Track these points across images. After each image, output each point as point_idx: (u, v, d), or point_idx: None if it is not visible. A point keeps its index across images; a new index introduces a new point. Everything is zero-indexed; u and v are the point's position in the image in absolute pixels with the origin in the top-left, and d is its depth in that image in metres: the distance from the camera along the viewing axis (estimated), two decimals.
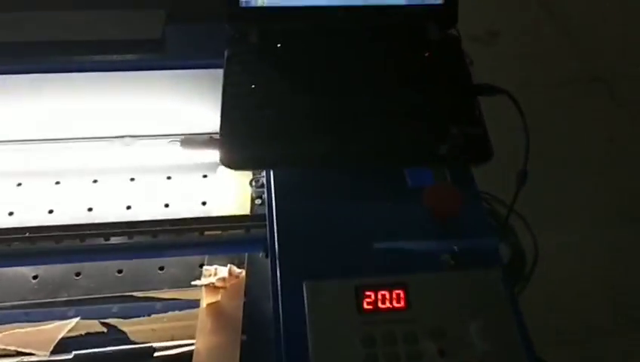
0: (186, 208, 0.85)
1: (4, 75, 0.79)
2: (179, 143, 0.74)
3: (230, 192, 0.84)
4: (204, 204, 0.86)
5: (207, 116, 0.86)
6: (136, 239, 0.71)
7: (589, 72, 1.96)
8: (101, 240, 0.71)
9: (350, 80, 0.76)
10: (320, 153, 0.70)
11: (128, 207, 0.86)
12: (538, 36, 2.04)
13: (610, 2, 2.15)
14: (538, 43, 2.02)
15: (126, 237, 0.71)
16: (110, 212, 0.84)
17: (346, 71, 0.77)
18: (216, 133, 0.72)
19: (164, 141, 0.88)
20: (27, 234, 0.70)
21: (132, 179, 0.89)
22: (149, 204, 0.86)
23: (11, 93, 0.81)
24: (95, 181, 0.88)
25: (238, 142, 0.70)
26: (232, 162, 0.70)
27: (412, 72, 0.78)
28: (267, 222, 0.68)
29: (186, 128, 0.88)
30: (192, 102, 0.85)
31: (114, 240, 0.71)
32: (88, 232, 0.70)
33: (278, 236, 0.65)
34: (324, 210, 0.67)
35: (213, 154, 0.89)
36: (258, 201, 0.83)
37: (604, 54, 2.01)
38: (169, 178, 0.90)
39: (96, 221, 0.75)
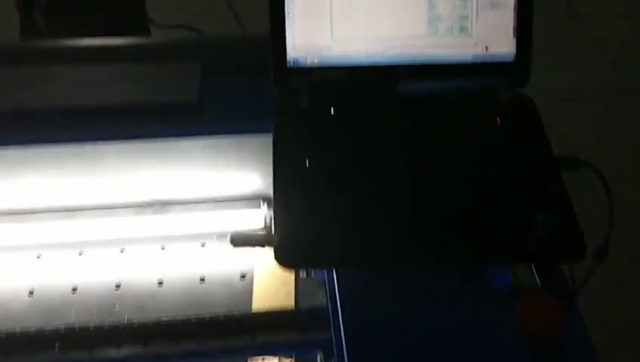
0: (222, 283, 0.77)
1: (19, 147, 0.70)
2: (227, 239, 0.65)
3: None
4: (243, 277, 0.78)
5: (250, 180, 0.78)
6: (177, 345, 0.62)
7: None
8: (138, 348, 0.62)
9: (415, 156, 0.67)
10: (389, 250, 0.61)
11: (160, 283, 0.77)
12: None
13: None
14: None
15: (168, 341, 0.63)
16: (140, 289, 0.76)
17: (409, 144, 0.68)
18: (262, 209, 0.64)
19: (199, 206, 0.79)
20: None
21: (163, 248, 0.80)
22: (181, 279, 0.77)
23: (27, 165, 0.72)
24: (122, 250, 0.80)
25: (294, 237, 0.61)
26: (289, 261, 0.61)
27: (482, 144, 0.69)
28: (332, 328, 0.60)
29: (222, 192, 0.79)
30: (232, 168, 0.76)
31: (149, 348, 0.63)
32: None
33: (347, 346, 0.57)
34: (395, 317, 0.59)
35: (250, 218, 0.81)
36: (303, 275, 0.75)
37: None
38: (203, 245, 0.81)
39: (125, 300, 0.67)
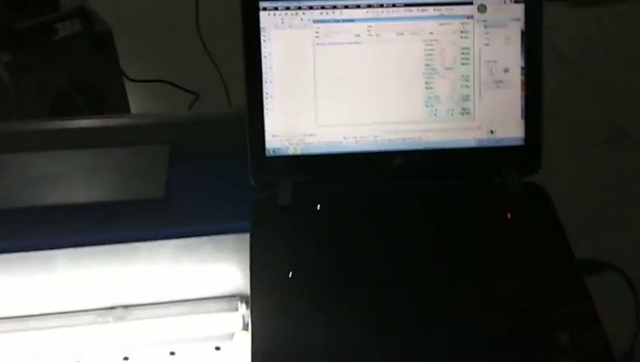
0: None
1: None
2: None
3: None
4: None
5: (226, 277, 0.69)
6: None
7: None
8: None
9: (413, 264, 0.58)
10: None
11: None
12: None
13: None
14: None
15: None
16: None
17: (406, 248, 0.59)
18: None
19: (166, 309, 0.69)
20: None
21: (126, 359, 0.70)
22: None
23: None
24: None
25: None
26: None
27: (490, 245, 0.60)
28: None
29: (194, 292, 0.70)
30: (205, 264, 0.67)
31: None
32: None
33: None
34: None
35: (227, 321, 0.72)
36: None
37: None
38: (172, 354, 0.71)
39: None
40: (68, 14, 1.52)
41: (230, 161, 0.65)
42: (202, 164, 0.68)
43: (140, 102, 1.63)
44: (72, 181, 0.63)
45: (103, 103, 1.58)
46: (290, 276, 0.56)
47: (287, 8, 0.61)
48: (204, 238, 0.61)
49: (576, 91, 1.83)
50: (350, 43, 0.61)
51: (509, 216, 0.61)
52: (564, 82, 1.80)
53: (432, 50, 0.62)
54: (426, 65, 0.62)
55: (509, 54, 0.62)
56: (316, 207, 0.61)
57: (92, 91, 1.54)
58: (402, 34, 0.62)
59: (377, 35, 0.61)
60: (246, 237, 0.60)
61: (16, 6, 1.47)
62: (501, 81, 0.63)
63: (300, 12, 0.61)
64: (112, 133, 0.70)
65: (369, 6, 0.61)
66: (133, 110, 1.59)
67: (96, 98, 1.56)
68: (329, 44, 0.61)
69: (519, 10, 0.62)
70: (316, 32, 0.61)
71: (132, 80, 1.49)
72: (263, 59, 0.61)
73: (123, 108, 1.61)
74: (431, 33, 0.62)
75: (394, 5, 0.61)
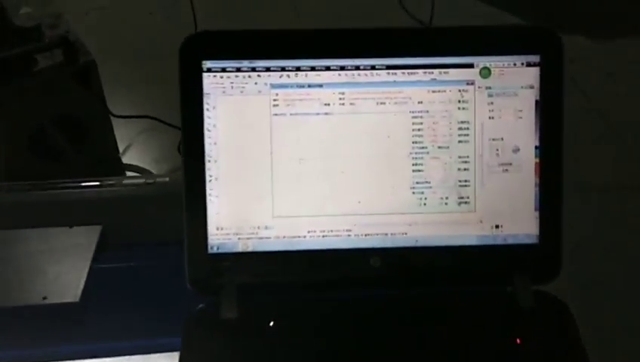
0: None
1: None
2: None
3: None
4: None
5: None
6: None
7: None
8: None
9: None
10: None
11: None
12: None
13: None
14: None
15: None
16: None
17: None
18: None
19: None
20: None
21: None
22: None
23: None
24: None
25: None
26: None
27: None
28: None
29: None
30: None
31: None
32: None
33: None
34: None
35: None
36: None
37: None
38: None
39: None
40: (49, 44, 1.41)
41: (173, 245, 0.53)
42: (136, 251, 0.55)
43: (126, 139, 1.52)
44: None
45: (87, 140, 1.47)
46: None
47: (238, 70, 0.48)
48: (124, 359, 0.48)
49: (596, 130, 1.67)
50: (317, 114, 0.49)
51: (517, 341, 0.47)
52: (583, 121, 1.64)
53: (422, 124, 0.49)
54: (413, 142, 0.49)
55: (520, 130, 0.49)
56: (269, 322, 0.48)
57: (74, 127, 1.43)
58: (384, 103, 0.49)
59: (352, 104, 0.49)
60: (176, 357, 0.47)
61: None
62: (509, 164, 0.49)
63: (254, 75, 0.48)
64: (33, 208, 0.58)
65: (342, 68, 0.48)
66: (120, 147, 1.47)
67: (79, 134, 1.45)
68: (290, 114, 0.48)
69: (533, 74, 0.49)
70: (274, 100, 0.48)
71: (115, 115, 1.37)
72: (206, 133, 0.48)
73: (109, 145, 1.49)
74: (420, 103, 0.49)
75: (373, 68, 0.48)
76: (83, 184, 0.59)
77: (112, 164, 1.49)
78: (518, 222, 0.50)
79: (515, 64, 0.49)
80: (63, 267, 0.51)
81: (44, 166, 1.35)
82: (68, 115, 1.42)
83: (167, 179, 0.63)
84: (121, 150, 1.52)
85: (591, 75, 1.63)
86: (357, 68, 0.48)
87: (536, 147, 0.49)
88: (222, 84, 0.48)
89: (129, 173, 1.50)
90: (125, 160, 1.52)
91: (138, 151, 1.54)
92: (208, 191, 0.48)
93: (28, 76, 1.37)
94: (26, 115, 1.37)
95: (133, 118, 1.43)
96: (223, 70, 0.48)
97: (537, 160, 0.50)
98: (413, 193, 0.49)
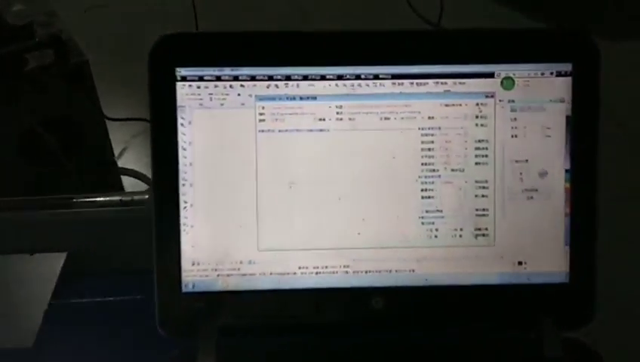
0: None
1: None
2: None
3: None
4: None
5: None
6: None
7: None
8: None
9: None
10: None
11: None
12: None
13: None
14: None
15: None
16: None
17: None
18: None
19: None
20: None
21: None
22: None
23: None
24: None
25: None
26: None
27: None
28: None
29: None
30: None
31: None
32: None
33: None
34: None
35: None
36: None
37: None
38: None
39: None
40: (39, 43, 1.35)
41: (150, 275, 0.46)
42: (105, 283, 0.48)
43: (121, 142, 1.45)
44: None
45: (80, 144, 1.41)
46: None
47: (218, 78, 0.41)
48: None
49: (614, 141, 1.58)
50: (310, 131, 0.42)
51: None
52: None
53: (433, 143, 0.42)
54: (423, 164, 0.42)
55: (548, 151, 0.42)
56: None
57: (67, 130, 1.37)
58: (388, 118, 0.42)
59: (351, 119, 0.42)
60: None
61: None
62: (535, 190, 0.42)
63: (236, 84, 0.41)
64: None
65: (339, 77, 0.41)
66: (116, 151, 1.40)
67: (72, 138, 1.39)
68: (279, 131, 0.41)
69: (564, 86, 0.42)
70: (260, 114, 0.41)
71: (110, 118, 1.30)
72: (181, 152, 0.41)
73: (104, 149, 1.43)
74: (431, 118, 0.42)
75: (376, 77, 0.41)
76: (48, 202, 0.53)
77: (107, 169, 1.42)
78: (545, 258, 0.43)
79: (542, 73, 0.42)
80: (16, 304, 0.44)
81: (34, 172, 1.29)
82: (60, 118, 1.36)
83: (146, 197, 0.56)
84: (116, 154, 1.45)
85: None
86: (357, 77, 0.41)
87: (566, 170, 0.42)
88: (199, 95, 0.41)
89: (102, 197, 1.43)
90: (121, 164, 1.46)
91: (134, 155, 1.47)
92: (182, 220, 0.41)
93: (17, 76, 1.31)
94: (15, 117, 1.31)
95: (129, 120, 1.37)
96: (200, 79, 0.41)
97: (568, 185, 0.42)
98: (423, 223, 0.42)
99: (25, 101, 1.40)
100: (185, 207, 0.41)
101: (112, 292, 0.48)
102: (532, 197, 0.42)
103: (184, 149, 0.41)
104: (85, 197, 0.58)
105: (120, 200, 0.57)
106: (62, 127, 1.47)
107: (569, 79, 0.42)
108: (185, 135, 0.41)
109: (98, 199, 0.57)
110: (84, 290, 0.49)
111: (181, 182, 0.41)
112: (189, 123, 0.41)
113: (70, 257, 0.50)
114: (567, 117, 0.42)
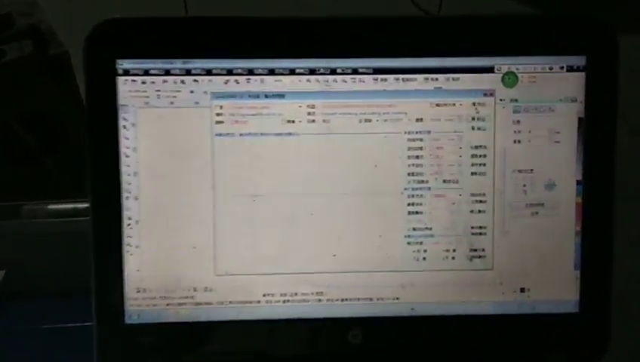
0: None
1: None
2: None
3: None
4: None
5: None
6: None
7: None
8: None
9: None
10: None
11: None
12: None
13: None
14: None
15: None
16: None
17: None
18: None
19: None
20: None
21: None
22: None
23: None
24: None
25: None
26: None
27: None
28: None
29: None
30: None
31: None
32: None
33: None
34: None
35: None
36: None
37: None
38: None
39: None
40: (16, 34, 1.28)
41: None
42: (45, 305, 0.42)
43: None
44: None
45: (60, 140, 1.35)
46: None
47: (167, 72, 0.35)
48: None
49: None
50: (278, 135, 0.35)
51: None
52: None
53: (422, 149, 0.36)
54: (409, 174, 0.36)
55: (557, 159, 0.36)
56: None
57: (46, 127, 1.31)
58: (369, 120, 0.35)
59: (325, 121, 0.35)
60: None
61: None
62: (541, 205, 0.36)
63: (189, 79, 0.35)
64: None
65: (312, 71, 0.35)
66: None
67: (51, 134, 1.33)
68: (240, 135, 0.35)
69: (576, 83, 0.36)
70: (218, 115, 0.35)
71: None
72: (123, 160, 0.35)
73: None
74: (419, 120, 0.35)
75: (355, 71, 0.35)
76: None
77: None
78: (552, 285, 0.37)
79: (551, 68, 0.35)
80: None
81: (13, 170, 1.23)
82: (39, 113, 1.29)
83: None
84: None
85: None
86: (333, 71, 0.35)
87: (577, 182, 0.36)
88: (144, 92, 0.35)
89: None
90: None
91: None
92: (126, 240, 0.35)
93: None
94: None
95: None
96: (146, 73, 0.34)
97: (579, 199, 0.36)
98: (409, 243, 0.36)
99: (2, 95, 1.33)
100: (129, 224, 0.35)
101: (52, 317, 0.42)
102: (537, 213, 0.36)
103: (127, 156, 0.35)
104: (36, 205, 0.52)
105: (73, 208, 0.51)
106: (40, 124, 1.40)
107: (582, 75, 0.35)
108: (128, 139, 0.35)
109: (50, 207, 0.51)
110: (22, 314, 0.42)
111: (124, 194, 0.35)
112: (133, 125, 0.35)
113: (8, 276, 0.43)
114: (580, 119, 0.36)
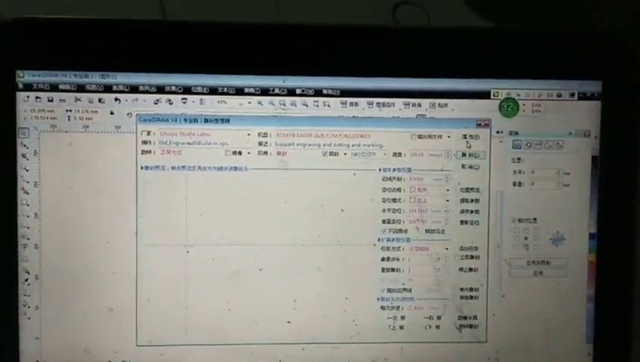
0: None
1: None
2: None
3: None
4: None
5: None
6: None
7: None
8: None
9: None
10: None
11: None
12: None
13: None
14: None
15: None
16: None
17: None
18: None
19: None
20: None
21: None
22: None
23: None
24: None
25: None
26: None
27: None
28: None
29: None
30: None
31: None
32: None
33: None
34: None
35: None
36: None
37: None
38: None
39: None
40: None
41: None
42: None
43: None
44: None
45: None
46: None
47: (81, 88, 0.27)
48: None
49: None
50: (220, 169, 0.28)
51: None
52: None
53: (400, 191, 0.29)
54: (384, 222, 0.29)
55: (565, 207, 0.29)
56: None
57: None
58: (335, 154, 0.28)
59: (281, 153, 0.28)
60: None
61: None
62: (545, 263, 0.29)
63: (108, 98, 0.27)
64: None
65: (264, 92, 0.28)
66: None
67: None
68: (172, 168, 0.28)
69: (590, 113, 0.29)
70: (144, 143, 0.28)
71: None
72: (21, 198, 0.27)
73: None
74: (398, 155, 0.28)
75: (319, 93, 0.28)
76: None
77: None
78: (559, 361, 0.30)
79: (559, 95, 0.29)
80: None
81: None
82: None
83: None
84: None
85: None
86: (291, 92, 0.28)
87: (590, 235, 0.29)
88: (50, 112, 0.27)
89: None
90: None
91: None
92: (22, 300, 0.28)
93: None
94: None
95: None
96: (54, 88, 0.27)
97: (592, 257, 0.29)
98: (382, 308, 0.29)
99: None
100: (26, 280, 0.28)
101: None
102: (541, 273, 0.29)
103: (26, 193, 0.27)
104: None
105: None
106: None
107: (597, 103, 0.29)
108: (28, 171, 0.27)
109: None
110: None
111: (21, 241, 0.27)
112: (35, 154, 0.27)
113: None
114: (594, 158, 0.29)
